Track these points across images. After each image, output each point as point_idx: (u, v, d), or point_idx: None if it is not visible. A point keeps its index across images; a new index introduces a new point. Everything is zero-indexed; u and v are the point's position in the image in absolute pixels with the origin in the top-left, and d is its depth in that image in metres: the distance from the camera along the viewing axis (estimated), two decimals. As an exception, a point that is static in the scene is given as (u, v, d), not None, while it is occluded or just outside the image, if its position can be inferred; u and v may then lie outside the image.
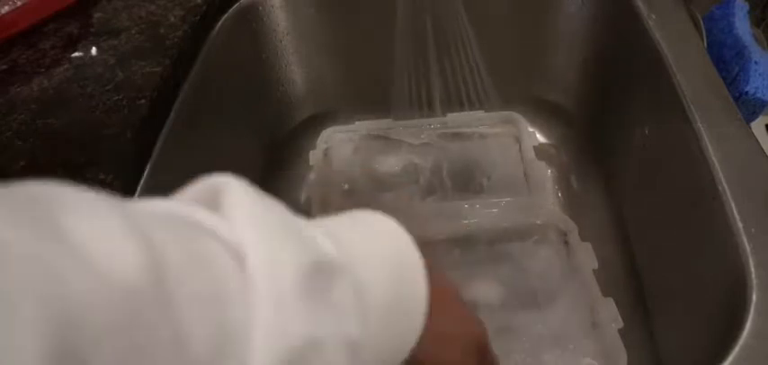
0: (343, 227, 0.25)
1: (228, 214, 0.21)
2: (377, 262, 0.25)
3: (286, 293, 0.19)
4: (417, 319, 0.26)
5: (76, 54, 0.51)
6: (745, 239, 0.37)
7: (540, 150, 0.66)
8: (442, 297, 0.28)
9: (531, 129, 0.68)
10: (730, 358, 0.32)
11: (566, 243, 0.58)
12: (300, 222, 0.23)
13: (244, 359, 0.18)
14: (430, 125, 0.69)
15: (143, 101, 0.46)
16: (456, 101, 0.67)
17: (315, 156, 0.67)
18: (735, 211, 0.38)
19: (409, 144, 0.68)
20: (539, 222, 0.60)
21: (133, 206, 0.19)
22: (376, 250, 0.25)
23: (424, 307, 0.26)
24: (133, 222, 0.17)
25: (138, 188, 0.43)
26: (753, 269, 0.35)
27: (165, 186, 0.48)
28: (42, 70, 0.49)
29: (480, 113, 0.68)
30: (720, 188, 0.40)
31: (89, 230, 0.16)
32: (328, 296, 0.21)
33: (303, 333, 0.19)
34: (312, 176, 0.67)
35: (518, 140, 0.68)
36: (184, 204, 0.21)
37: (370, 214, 0.28)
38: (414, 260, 0.27)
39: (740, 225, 0.37)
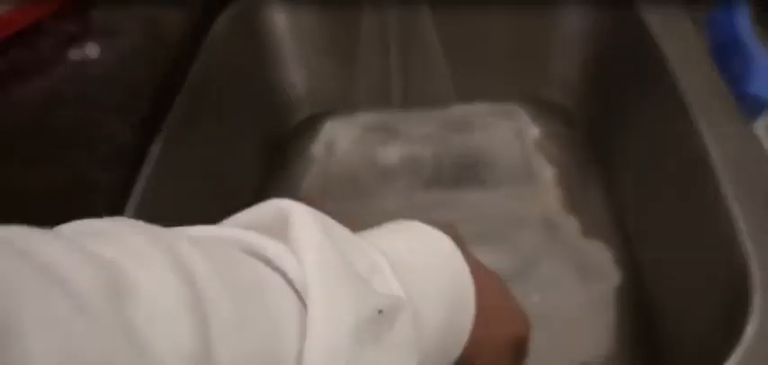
0: (402, 247, 0.26)
1: (296, 247, 0.20)
2: (437, 292, 0.25)
3: (340, 346, 0.19)
4: (463, 337, 0.27)
5: (76, 54, 0.51)
6: (746, 240, 0.37)
7: (540, 147, 0.66)
8: (480, 297, 0.28)
9: (531, 124, 0.68)
10: (731, 359, 0.32)
11: (564, 239, 0.59)
12: (366, 251, 0.23)
13: None
14: (431, 117, 0.69)
15: (143, 101, 0.46)
16: (454, 96, 0.67)
17: (316, 150, 0.67)
18: (736, 212, 0.38)
19: (410, 136, 0.69)
20: (538, 217, 0.60)
21: (189, 246, 0.18)
22: (435, 276, 0.26)
23: (470, 326, 0.27)
24: (187, 273, 0.16)
25: (139, 188, 0.43)
26: (754, 270, 0.35)
27: (165, 186, 0.48)
28: (42, 70, 0.49)
29: (482, 106, 0.68)
30: (721, 188, 0.40)
31: (147, 302, 0.15)
32: (388, 336, 0.21)
33: None
34: (313, 169, 0.67)
35: (519, 134, 0.68)
36: (251, 234, 0.21)
37: (426, 230, 0.28)
38: (467, 283, 0.27)
39: (741, 225, 0.37)
